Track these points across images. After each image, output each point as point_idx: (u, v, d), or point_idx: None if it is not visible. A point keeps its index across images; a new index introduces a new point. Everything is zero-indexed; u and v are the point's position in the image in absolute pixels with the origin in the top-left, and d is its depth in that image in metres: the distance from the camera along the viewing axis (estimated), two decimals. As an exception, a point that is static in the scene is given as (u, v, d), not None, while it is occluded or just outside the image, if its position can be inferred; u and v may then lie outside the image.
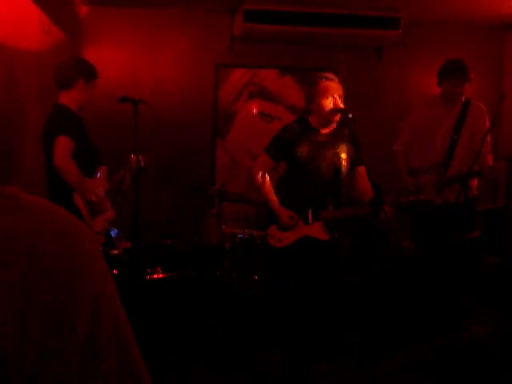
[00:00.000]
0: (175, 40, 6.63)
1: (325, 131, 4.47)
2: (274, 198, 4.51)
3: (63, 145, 3.97)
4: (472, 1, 6.07)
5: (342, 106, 4.34)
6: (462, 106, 5.22)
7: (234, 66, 6.82)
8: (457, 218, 5.09)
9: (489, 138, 5.14)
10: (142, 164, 4.61)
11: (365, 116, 6.26)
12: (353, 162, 4.49)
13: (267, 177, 4.58)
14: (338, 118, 4.38)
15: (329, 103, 4.33)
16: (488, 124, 5.18)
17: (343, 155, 4.41)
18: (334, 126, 4.47)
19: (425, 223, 5.25)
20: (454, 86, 5.14)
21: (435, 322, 4.96)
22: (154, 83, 6.49)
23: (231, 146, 6.90)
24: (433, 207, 5.07)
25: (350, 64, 6.81)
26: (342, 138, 4.46)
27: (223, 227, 5.56)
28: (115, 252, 5.23)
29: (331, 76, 4.40)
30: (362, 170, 4.52)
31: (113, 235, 5.15)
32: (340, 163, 4.41)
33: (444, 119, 5.25)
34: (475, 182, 5.24)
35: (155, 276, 5.35)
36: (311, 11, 6.22)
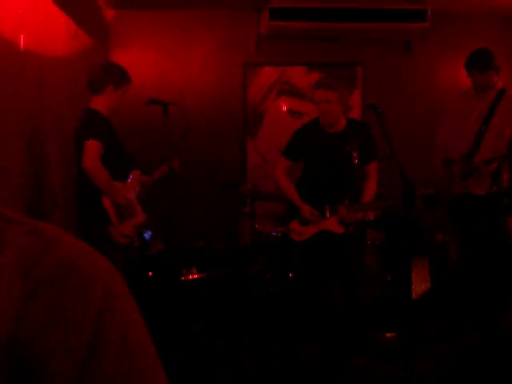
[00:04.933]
0: (202, 41, 6.63)
1: (334, 130, 4.69)
2: (295, 195, 4.79)
3: (92, 148, 3.99)
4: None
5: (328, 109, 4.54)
6: (496, 96, 5.15)
7: (262, 65, 6.81)
8: (489, 209, 5.05)
9: None
10: (176, 168, 4.65)
11: (394, 109, 6.24)
12: (365, 157, 4.66)
13: (287, 176, 4.89)
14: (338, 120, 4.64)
15: (319, 108, 4.61)
16: None
17: (354, 152, 4.54)
18: (342, 125, 4.68)
19: (459, 215, 5.23)
20: (479, 76, 5.10)
21: (472, 314, 4.96)
22: (182, 84, 6.51)
23: (262, 145, 6.88)
24: (466, 199, 5.07)
25: (378, 58, 6.77)
26: (352, 135, 4.62)
27: (256, 226, 5.57)
28: (149, 254, 5.27)
29: (321, 82, 4.61)
30: (372, 166, 4.79)
31: (146, 237, 5.19)
32: (351, 160, 4.54)
33: (475, 109, 5.20)
34: (506, 175, 5.15)
35: (190, 277, 5.37)
36: (337, 6, 6.18)
